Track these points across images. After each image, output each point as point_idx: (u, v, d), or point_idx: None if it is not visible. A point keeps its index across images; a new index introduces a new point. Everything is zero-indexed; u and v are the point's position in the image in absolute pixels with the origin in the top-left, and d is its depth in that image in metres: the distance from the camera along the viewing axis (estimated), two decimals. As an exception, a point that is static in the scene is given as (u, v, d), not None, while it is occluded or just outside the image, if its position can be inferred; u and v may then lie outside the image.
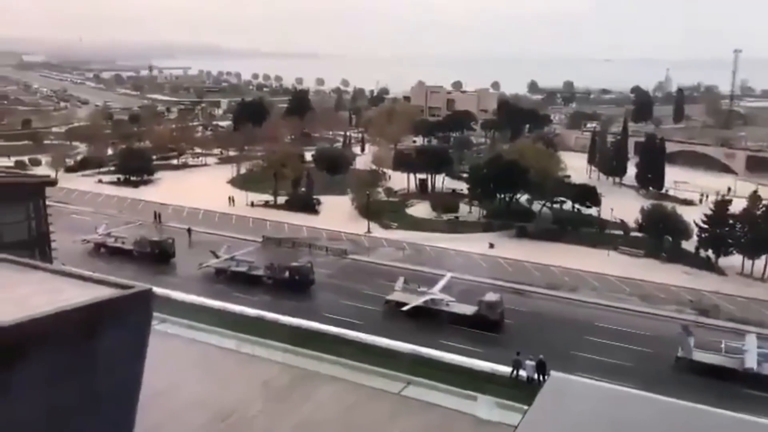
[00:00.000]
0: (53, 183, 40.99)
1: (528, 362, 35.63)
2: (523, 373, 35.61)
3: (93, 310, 14.28)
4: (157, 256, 57.39)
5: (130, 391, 15.39)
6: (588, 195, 72.36)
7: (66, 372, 13.81)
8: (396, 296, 46.93)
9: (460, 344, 40.72)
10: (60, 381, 13.73)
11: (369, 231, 69.81)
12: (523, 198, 77.51)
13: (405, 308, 44.47)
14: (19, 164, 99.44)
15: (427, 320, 44.34)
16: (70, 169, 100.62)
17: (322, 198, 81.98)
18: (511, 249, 63.70)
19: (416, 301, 45.17)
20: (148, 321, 16.06)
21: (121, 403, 15.24)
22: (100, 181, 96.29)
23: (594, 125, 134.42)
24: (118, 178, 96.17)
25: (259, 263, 53.44)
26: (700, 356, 39.07)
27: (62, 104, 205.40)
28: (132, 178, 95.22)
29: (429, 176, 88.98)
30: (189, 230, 67.03)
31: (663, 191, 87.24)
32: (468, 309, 44.71)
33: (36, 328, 13.12)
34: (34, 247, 34.18)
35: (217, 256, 54.19)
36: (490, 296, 44.97)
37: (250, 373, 29.09)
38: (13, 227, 33.67)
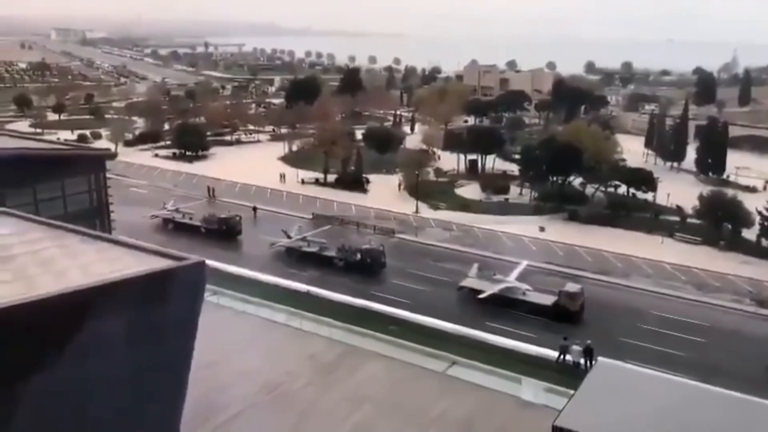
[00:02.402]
0: (113, 156, 42.43)
1: (574, 347, 35.22)
2: (569, 357, 35.24)
3: (150, 279, 14.80)
4: (224, 233, 58.81)
5: (182, 360, 15.91)
6: (644, 179, 70.37)
7: (126, 338, 14.40)
8: (470, 282, 46.46)
9: (541, 335, 39.45)
10: (120, 346, 14.33)
11: (417, 211, 69.77)
12: (576, 181, 75.87)
13: (482, 296, 43.94)
14: (81, 137, 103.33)
15: (504, 309, 43.49)
16: (128, 143, 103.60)
17: (371, 177, 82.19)
18: (563, 233, 62.67)
19: (492, 288, 44.58)
20: (201, 292, 16.53)
21: (173, 372, 15.79)
22: (156, 155, 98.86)
23: (652, 107, 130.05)
24: (174, 153, 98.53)
25: (330, 244, 53.86)
26: None
27: (122, 80, 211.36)
28: (187, 153, 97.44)
29: (479, 157, 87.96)
30: (255, 208, 67.66)
31: (724, 177, 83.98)
32: (547, 299, 43.60)
33: (101, 294, 13.70)
34: (95, 218, 35.50)
35: (288, 236, 55.13)
36: (571, 286, 43.78)
37: (298, 346, 29.75)
38: (76, 198, 35.06)
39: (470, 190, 78.77)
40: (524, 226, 64.31)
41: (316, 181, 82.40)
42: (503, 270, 48.70)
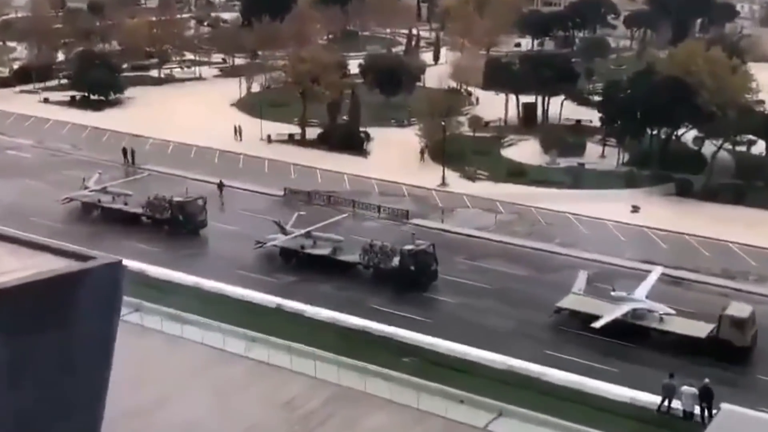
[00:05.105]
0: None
1: (686, 389, 35.41)
2: (677, 404, 35.44)
3: (41, 289, 14.96)
4: (180, 224, 58.46)
5: (91, 404, 16.15)
6: (793, 132, 70.05)
7: (6, 373, 14.58)
8: (573, 302, 45.85)
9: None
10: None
11: (444, 183, 69.79)
12: (688, 135, 75.53)
13: (598, 324, 42.84)
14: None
15: (631, 345, 42.44)
16: (3, 83, 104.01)
17: (373, 131, 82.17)
18: (667, 215, 62.57)
19: (613, 312, 43.71)
20: (116, 307, 16.71)
21: (78, 417, 16.03)
22: (46, 100, 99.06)
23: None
24: (73, 97, 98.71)
25: (348, 243, 53.20)
26: None
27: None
28: (92, 97, 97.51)
29: (539, 99, 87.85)
30: (220, 184, 66.90)
31: None
32: (697, 328, 42.60)
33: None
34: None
35: (284, 231, 54.70)
36: (738, 309, 42.61)
37: (265, 388, 29.96)
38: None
39: (525, 150, 78.62)
40: (608, 205, 64.20)
41: (290, 138, 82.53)
42: (570, 267, 48.60)
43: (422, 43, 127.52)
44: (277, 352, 32.67)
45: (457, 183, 70.44)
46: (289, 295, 46.73)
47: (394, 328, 42.56)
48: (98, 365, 16.01)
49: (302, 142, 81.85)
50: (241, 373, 31.07)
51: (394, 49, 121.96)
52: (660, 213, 63.18)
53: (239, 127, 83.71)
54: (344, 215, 60.23)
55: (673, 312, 43.62)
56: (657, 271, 48.28)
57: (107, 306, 16.28)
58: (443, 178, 70.25)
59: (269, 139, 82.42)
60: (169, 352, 32.44)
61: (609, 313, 43.32)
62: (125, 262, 17.29)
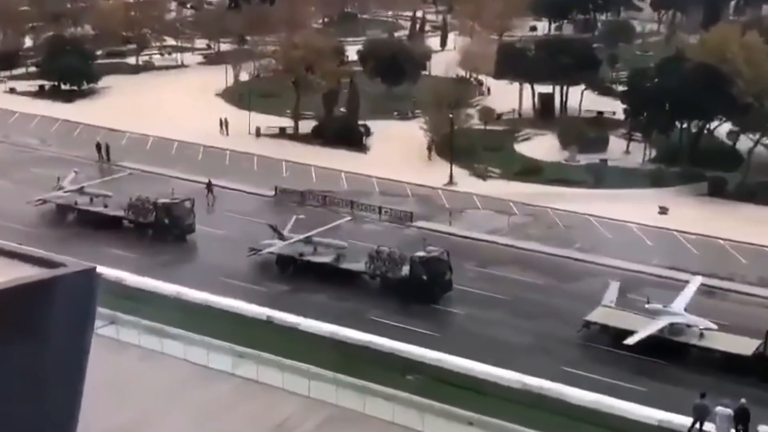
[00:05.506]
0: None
1: (720, 410, 35.35)
2: (710, 427, 35.41)
3: (4, 298, 14.95)
4: (166, 229, 58.33)
5: (63, 421, 16.16)
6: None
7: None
8: (604, 316, 45.58)
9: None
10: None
11: (451, 181, 69.84)
12: (722, 129, 75.63)
13: (631, 341, 42.41)
14: None
15: (669, 363, 41.96)
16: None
17: (374, 124, 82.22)
18: (699, 216, 62.55)
19: (648, 327, 43.22)
20: (90, 318, 16.71)
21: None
22: (11, 90, 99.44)
23: None
24: (42, 86, 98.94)
25: (352, 250, 52.98)
26: None
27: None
28: (63, 87, 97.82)
29: (557, 89, 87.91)
30: (209, 185, 66.29)
31: None
32: (743, 345, 42.03)
33: None
34: None
35: (281, 236, 54.43)
36: None
37: (255, 409, 29.99)
38: None
39: (542, 146, 78.76)
40: (634, 206, 64.11)
41: (281, 132, 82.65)
42: (594, 276, 48.73)
43: (428, 27, 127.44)
44: (268, 369, 32.67)
45: (466, 181, 70.50)
46: (278, 306, 46.42)
47: (396, 343, 42.32)
48: (70, 383, 15.99)
49: (295, 136, 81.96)
50: (227, 392, 31.08)
51: (396, 34, 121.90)
52: (691, 215, 63.13)
53: (225, 119, 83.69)
54: (348, 218, 59.81)
55: (715, 327, 42.96)
56: (696, 281, 47.84)
57: (79, 318, 16.25)
58: (451, 176, 70.30)
59: (258, 133, 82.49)
60: (147, 368, 32.46)
61: (644, 328, 42.86)
62: (100, 269, 17.28)
